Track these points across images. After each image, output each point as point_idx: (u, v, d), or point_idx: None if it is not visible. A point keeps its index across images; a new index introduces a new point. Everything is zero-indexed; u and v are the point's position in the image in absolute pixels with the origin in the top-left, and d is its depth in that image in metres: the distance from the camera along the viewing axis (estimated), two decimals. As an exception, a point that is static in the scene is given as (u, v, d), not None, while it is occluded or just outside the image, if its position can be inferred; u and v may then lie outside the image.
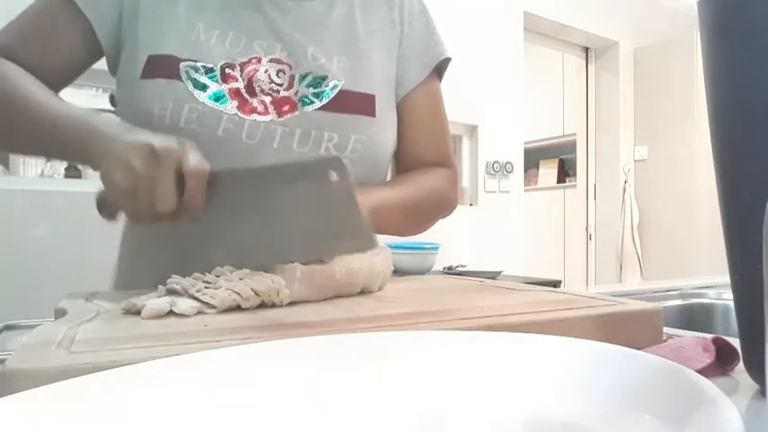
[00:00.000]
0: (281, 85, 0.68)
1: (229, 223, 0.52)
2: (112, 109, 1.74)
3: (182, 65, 0.64)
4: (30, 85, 0.62)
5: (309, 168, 0.51)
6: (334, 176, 0.47)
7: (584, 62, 3.91)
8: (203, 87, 0.64)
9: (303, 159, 0.58)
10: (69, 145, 0.57)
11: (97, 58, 0.70)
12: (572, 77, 4.15)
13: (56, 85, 0.66)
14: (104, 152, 0.52)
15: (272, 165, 0.57)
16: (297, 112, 0.67)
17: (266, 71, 0.68)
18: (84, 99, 1.86)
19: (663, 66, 3.68)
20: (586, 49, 3.87)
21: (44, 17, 0.67)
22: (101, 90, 1.91)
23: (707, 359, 0.35)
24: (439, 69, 0.81)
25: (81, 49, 0.68)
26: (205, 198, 0.52)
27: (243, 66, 0.67)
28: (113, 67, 0.70)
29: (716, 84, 0.33)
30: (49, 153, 0.67)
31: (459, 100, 2.55)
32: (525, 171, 3.50)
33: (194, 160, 0.51)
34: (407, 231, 0.81)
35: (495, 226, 2.96)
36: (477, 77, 2.84)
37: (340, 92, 0.69)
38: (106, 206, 0.56)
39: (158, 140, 0.51)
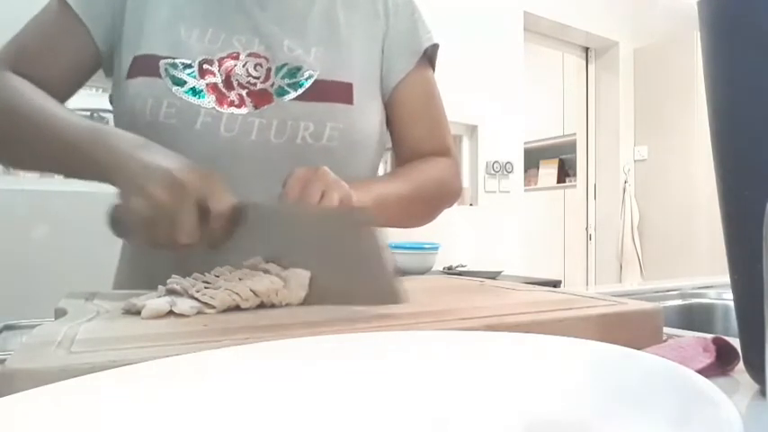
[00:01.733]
0: (258, 78, 0.68)
1: (244, 253, 0.50)
2: (112, 109, 1.74)
3: (161, 62, 0.66)
4: (41, 101, 0.61)
5: (337, 216, 0.49)
6: (360, 227, 0.45)
7: (585, 62, 3.91)
8: (181, 83, 0.65)
9: (331, 208, 0.55)
10: (83, 162, 0.55)
11: (99, 67, 0.71)
12: (572, 77, 4.15)
13: (62, 95, 0.66)
14: (121, 171, 0.51)
15: (298, 208, 0.55)
16: (273, 104, 0.68)
17: (244, 65, 0.68)
18: (85, 99, 1.86)
19: (663, 66, 3.68)
20: (586, 49, 3.87)
21: (46, 29, 0.68)
22: (101, 90, 1.90)
23: (707, 359, 0.35)
24: (430, 58, 0.80)
25: (84, 58, 0.69)
26: (229, 232, 0.51)
27: (221, 61, 0.68)
28: (108, 70, 0.72)
29: (716, 84, 0.33)
30: (64, 170, 0.65)
31: (459, 100, 2.54)
32: (525, 171, 3.50)
33: (218, 194, 0.50)
34: (412, 223, 0.81)
35: (495, 226, 2.96)
36: (477, 77, 2.84)
37: (315, 81, 0.70)
38: (118, 223, 0.54)
39: (180, 167, 0.50)
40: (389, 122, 0.79)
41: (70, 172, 0.62)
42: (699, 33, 0.35)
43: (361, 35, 0.76)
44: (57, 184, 1.82)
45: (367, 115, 0.73)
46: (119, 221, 0.53)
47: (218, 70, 0.67)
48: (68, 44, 0.68)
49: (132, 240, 0.55)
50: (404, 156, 0.80)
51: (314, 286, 0.47)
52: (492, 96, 2.96)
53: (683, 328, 0.53)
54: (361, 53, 0.75)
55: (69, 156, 0.56)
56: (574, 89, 4.09)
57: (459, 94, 2.43)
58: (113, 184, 0.52)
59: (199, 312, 0.41)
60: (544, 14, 3.29)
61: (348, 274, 0.46)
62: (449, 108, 0.83)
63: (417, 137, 0.79)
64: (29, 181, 1.86)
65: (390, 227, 0.76)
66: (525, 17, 3.17)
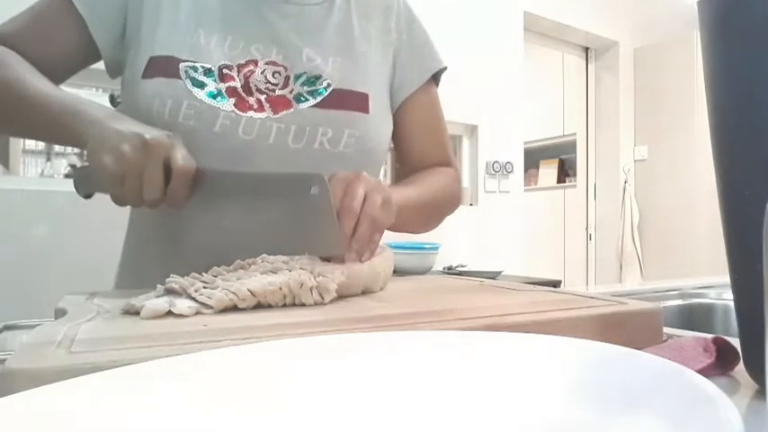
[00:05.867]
0: (276, 84, 0.70)
1: (210, 216, 0.57)
2: (121, 108, 1.74)
3: (181, 65, 0.66)
4: (23, 69, 0.64)
5: (292, 181, 0.55)
6: (315, 190, 0.52)
7: (584, 62, 3.91)
8: (201, 85, 0.66)
9: (288, 172, 0.62)
10: (57, 125, 0.59)
11: (93, 61, 0.72)
12: (572, 77, 4.15)
13: (50, 79, 0.67)
14: (92, 134, 0.55)
15: (257, 172, 0.62)
16: (292, 110, 0.69)
17: (263, 72, 0.70)
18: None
19: (663, 66, 3.68)
20: (586, 49, 3.87)
21: (44, 14, 0.69)
22: (101, 90, 1.91)
23: (707, 359, 0.35)
24: (435, 77, 0.85)
25: (77, 49, 0.69)
26: (190, 192, 0.56)
27: (240, 67, 0.69)
28: (113, 71, 0.72)
29: (716, 84, 0.33)
30: (40, 134, 0.70)
31: (459, 100, 2.54)
32: (525, 171, 3.50)
33: (182, 156, 0.54)
34: (423, 229, 0.84)
35: (495, 226, 2.96)
36: (477, 77, 2.84)
37: (334, 90, 0.72)
38: (83, 185, 0.58)
39: (148, 131, 0.54)
40: (395, 133, 0.82)
41: (49, 139, 0.67)
42: (699, 33, 0.35)
43: (375, 48, 0.79)
44: (57, 184, 1.82)
45: (380, 125, 0.76)
46: (83, 180, 0.58)
47: (238, 75, 0.69)
48: (64, 32, 0.68)
49: (89, 197, 0.60)
50: (409, 164, 0.85)
51: (271, 241, 0.53)
52: (492, 96, 2.96)
53: (683, 328, 0.53)
54: (375, 65, 0.78)
55: (49, 125, 0.60)
56: (574, 89, 4.09)
57: (459, 94, 2.43)
58: (84, 145, 0.55)
59: (197, 312, 0.41)
60: (544, 14, 3.29)
61: (297, 228, 0.53)
62: (449, 108, 0.85)
63: (423, 148, 0.84)
64: (29, 181, 1.86)
65: (405, 231, 0.78)
66: (525, 17, 3.17)
